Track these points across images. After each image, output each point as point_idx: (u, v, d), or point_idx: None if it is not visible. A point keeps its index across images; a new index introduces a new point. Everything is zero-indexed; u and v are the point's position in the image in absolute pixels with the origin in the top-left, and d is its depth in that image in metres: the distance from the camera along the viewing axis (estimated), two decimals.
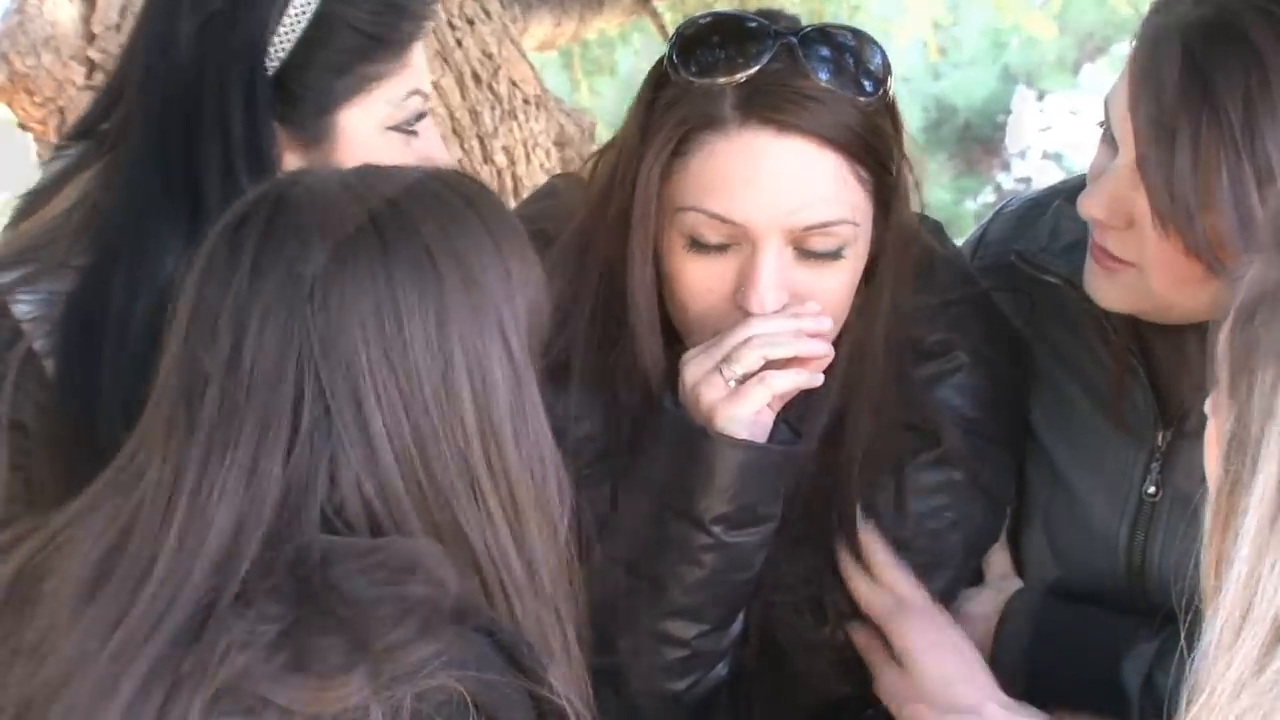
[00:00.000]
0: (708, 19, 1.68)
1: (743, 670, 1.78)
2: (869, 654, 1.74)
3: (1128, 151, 1.60)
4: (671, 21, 4.19)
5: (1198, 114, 1.53)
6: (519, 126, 3.28)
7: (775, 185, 1.65)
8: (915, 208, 1.79)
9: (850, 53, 1.66)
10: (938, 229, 1.87)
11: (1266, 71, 1.53)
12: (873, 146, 1.67)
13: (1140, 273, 1.64)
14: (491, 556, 1.37)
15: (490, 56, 3.24)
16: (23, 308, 1.75)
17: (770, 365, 1.65)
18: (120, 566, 1.31)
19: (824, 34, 1.66)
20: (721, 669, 1.77)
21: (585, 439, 1.76)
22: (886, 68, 1.67)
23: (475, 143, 3.21)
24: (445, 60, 3.15)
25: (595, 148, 2.78)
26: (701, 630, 1.73)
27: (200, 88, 1.70)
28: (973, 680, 1.71)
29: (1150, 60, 1.57)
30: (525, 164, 3.30)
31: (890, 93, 1.68)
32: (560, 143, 3.43)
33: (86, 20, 2.51)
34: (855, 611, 1.77)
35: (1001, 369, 1.84)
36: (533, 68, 3.43)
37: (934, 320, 1.81)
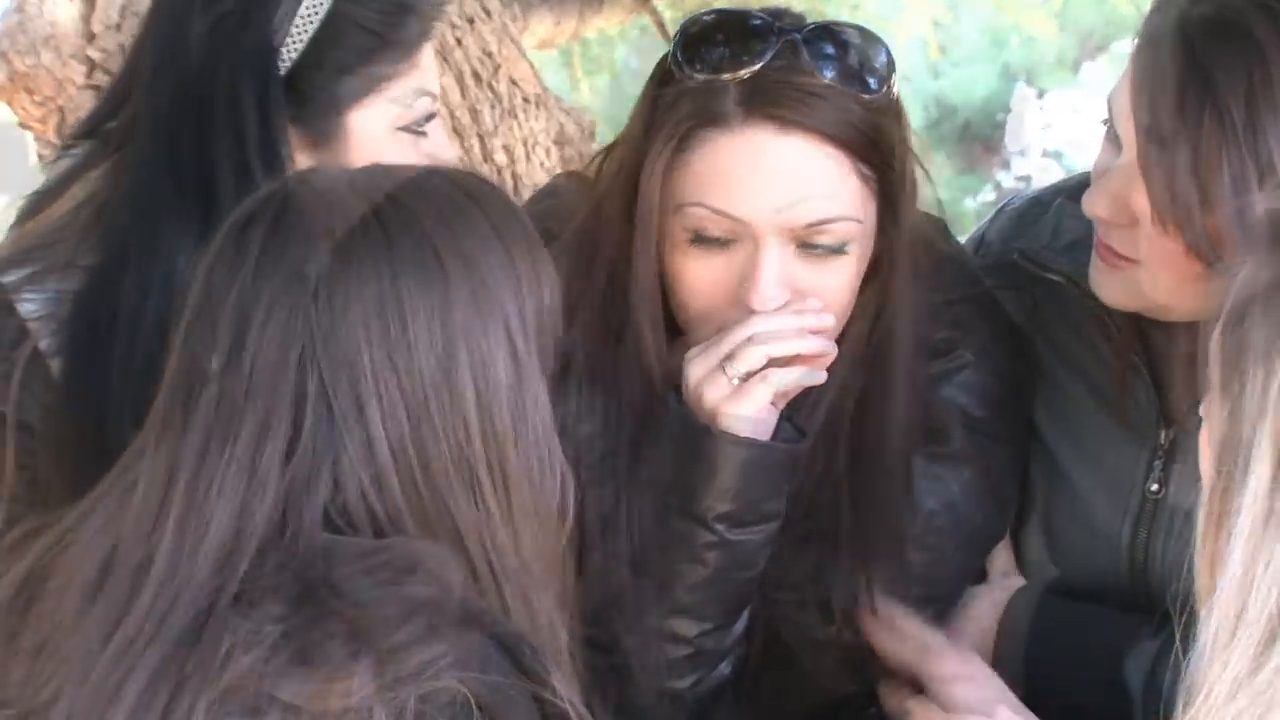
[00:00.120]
0: (712, 16, 1.68)
1: (746, 668, 1.78)
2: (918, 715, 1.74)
3: (1131, 150, 1.60)
4: (671, 20, 4.18)
5: (1199, 111, 1.53)
6: (519, 125, 3.28)
7: (777, 182, 1.65)
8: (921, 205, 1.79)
9: (854, 50, 1.67)
10: (942, 227, 1.87)
11: (1268, 68, 1.53)
12: (876, 144, 1.67)
13: (1145, 270, 1.64)
14: (488, 559, 1.37)
15: (490, 55, 3.23)
16: (29, 306, 1.75)
17: (773, 363, 1.65)
18: (118, 566, 1.31)
19: (828, 31, 1.67)
20: (725, 668, 1.77)
21: (588, 437, 1.76)
22: (891, 65, 1.67)
23: (475, 141, 3.20)
24: (445, 59, 3.14)
25: (595, 146, 2.79)
26: (705, 629, 1.73)
27: (212, 88, 1.70)
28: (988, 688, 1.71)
29: (1152, 58, 1.57)
30: (525, 162, 3.30)
31: (894, 90, 1.68)
32: (560, 141, 3.42)
33: (86, 19, 2.51)
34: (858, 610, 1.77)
35: (1006, 367, 1.84)
36: (532, 66, 3.43)
37: (938, 318, 1.81)
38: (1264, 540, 1.12)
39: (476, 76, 3.20)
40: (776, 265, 1.66)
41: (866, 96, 1.65)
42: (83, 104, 2.39)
